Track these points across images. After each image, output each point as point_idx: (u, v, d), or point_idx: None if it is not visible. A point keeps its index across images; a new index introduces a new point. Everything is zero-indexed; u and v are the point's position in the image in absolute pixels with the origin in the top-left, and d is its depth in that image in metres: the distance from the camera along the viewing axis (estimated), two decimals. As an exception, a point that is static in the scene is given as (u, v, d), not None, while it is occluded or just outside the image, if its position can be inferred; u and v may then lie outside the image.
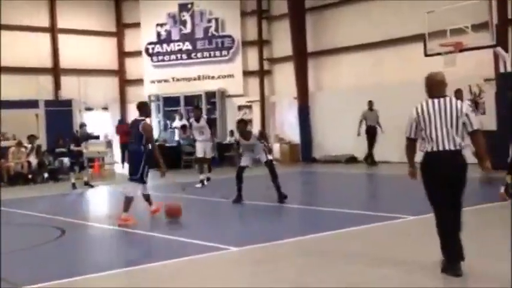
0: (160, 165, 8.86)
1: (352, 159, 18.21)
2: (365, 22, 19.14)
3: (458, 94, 13.50)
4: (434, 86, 5.54)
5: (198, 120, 14.24)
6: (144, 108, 9.42)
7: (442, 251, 5.45)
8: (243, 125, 11.15)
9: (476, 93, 14.99)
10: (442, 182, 5.40)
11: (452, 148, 5.34)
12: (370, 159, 17.24)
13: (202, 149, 14.02)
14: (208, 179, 13.97)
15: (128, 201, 9.07)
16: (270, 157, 11.03)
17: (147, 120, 9.46)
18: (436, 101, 5.44)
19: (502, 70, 14.92)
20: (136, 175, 9.19)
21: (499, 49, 14.42)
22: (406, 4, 17.88)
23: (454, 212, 5.44)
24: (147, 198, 9.63)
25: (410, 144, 5.66)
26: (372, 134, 17.13)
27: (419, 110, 5.49)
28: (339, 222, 8.12)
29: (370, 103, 16.91)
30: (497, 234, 7.17)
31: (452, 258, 5.36)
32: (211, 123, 14.75)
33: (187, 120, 20.33)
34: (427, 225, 7.87)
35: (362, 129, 17.20)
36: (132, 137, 9.32)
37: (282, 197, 10.42)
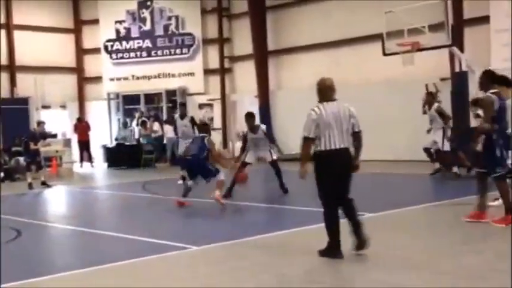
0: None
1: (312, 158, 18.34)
2: (324, 21, 19.31)
3: (430, 97, 13.73)
4: (326, 91, 6.17)
5: (182, 117, 14.13)
6: (205, 127, 10.61)
7: (330, 237, 5.97)
8: (251, 117, 11.17)
9: (433, 93, 15.27)
10: (334, 176, 5.97)
11: (346, 146, 5.96)
12: None
13: (185, 146, 13.88)
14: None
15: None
16: (274, 157, 11.24)
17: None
18: (330, 104, 6.05)
19: (457, 69, 15.26)
20: (212, 174, 10.10)
21: (455, 49, 14.74)
22: (364, 4, 18.11)
23: (350, 204, 6.07)
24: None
25: (309, 143, 6.04)
26: None
27: (318, 112, 6.01)
28: (301, 220, 8.16)
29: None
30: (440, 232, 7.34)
31: (338, 244, 5.95)
32: (195, 121, 14.56)
33: (171, 117, 20.14)
34: (387, 222, 8.03)
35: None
36: (194, 149, 10.36)
37: (285, 189, 11.02)
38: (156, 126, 20.94)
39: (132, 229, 8.39)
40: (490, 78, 7.03)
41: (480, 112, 11.06)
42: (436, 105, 13.35)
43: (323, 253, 5.99)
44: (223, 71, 22.38)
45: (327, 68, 19.27)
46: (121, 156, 20.32)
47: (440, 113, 13.21)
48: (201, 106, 22.55)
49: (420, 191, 11.66)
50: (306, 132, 6.00)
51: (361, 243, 6.02)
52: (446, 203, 9.21)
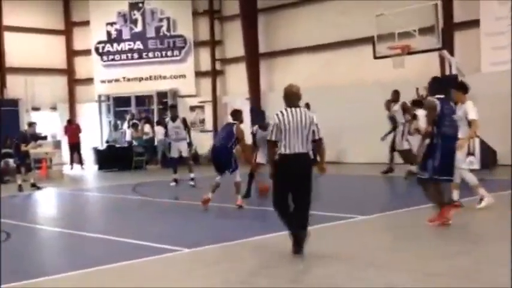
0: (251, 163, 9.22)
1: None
2: (316, 24, 19.35)
3: (395, 95, 13.94)
4: (291, 97, 6.36)
5: (174, 120, 14.07)
6: (237, 114, 10.42)
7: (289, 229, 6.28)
8: (261, 114, 11.18)
9: (423, 95, 15.34)
10: (291, 179, 6.21)
11: (304, 151, 6.18)
12: (315, 159, 17.42)
13: (177, 149, 13.86)
14: (192, 179, 13.76)
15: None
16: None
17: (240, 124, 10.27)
18: (293, 110, 6.26)
19: (447, 73, 15.34)
20: (232, 166, 9.96)
21: (445, 52, 14.83)
22: (356, 7, 18.17)
23: (303, 206, 6.23)
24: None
25: (272, 146, 6.36)
26: None
27: (280, 117, 6.25)
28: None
29: (307, 105, 16.96)
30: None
31: (294, 240, 6.20)
32: (187, 123, 14.51)
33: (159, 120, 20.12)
34: (377, 225, 8.05)
35: None
36: (221, 137, 10.27)
37: None
38: (147, 128, 20.91)
39: (122, 231, 8.36)
40: (437, 84, 7.45)
41: (417, 112, 11.71)
42: (400, 102, 13.49)
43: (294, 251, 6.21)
44: (214, 73, 22.37)
45: (319, 70, 19.37)
46: (112, 159, 20.24)
47: (405, 109, 13.30)
48: (192, 108, 22.53)
49: (413, 194, 11.70)
50: (269, 136, 6.36)
51: (296, 250, 6.20)
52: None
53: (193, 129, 22.08)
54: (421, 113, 12.64)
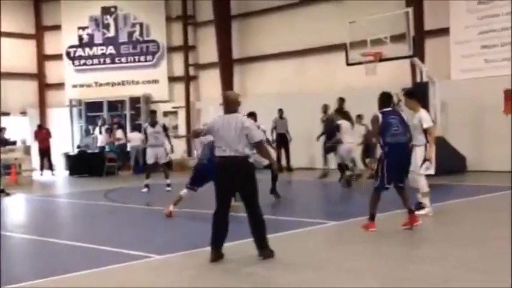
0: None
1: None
2: (289, 30, 19.45)
3: (341, 102, 14.41)
4: (227, 104, 6.51)
5: (153, 125, 13.94)
6: (252, 116, 10.46)
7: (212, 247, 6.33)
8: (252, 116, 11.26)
9: (395, 102, 15.51)
10: (226, 184, 6.35)
11: (236, 155, 6.27)
12: (288, 165, 17.49)
13: (154, 154, 13.70)
14: (168, 185, 13.67)
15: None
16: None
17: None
18: (227, 116, 6.41)
19: (418, 80, 15.55)
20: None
21: (416, 59, 15.03)
22: (329, 14, 18.33)
23: (252, 212, 6.33)
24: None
25: (195, 133, 6.87)
26: (284, 142, 17.33)
27: (210, 123, 6.54)
28: (270, 228, 8.15)
29: (281, 111, 17.08)
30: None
31: (213, 248, 6.32)
32: (166, 128, 14.40)
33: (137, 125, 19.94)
34: (347, 230, 8.09)
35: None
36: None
37: (276, 194, 11.35)
38: (119, 134, 20.72)
39: (92, 238, 8.25)
40: (384, 98, 7.88)
41: (340, 123, 13.17)
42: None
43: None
44: (188, 79, 22.31)
45: (292, 76, 19.47)
46: (83, 164, 20.01)
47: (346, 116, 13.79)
48: (165, 114, 22.41)
49: (388, 199, 11.80)
50: (200, 132, 6.94)
51: (263, 254, 6.29)
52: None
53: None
54: (344, 124, 13.22)
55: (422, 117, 8.45)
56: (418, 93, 9.15)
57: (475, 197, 10.79)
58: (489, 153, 15.17)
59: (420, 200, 8.72)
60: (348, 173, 13.34)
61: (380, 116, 7.67)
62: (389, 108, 7.86)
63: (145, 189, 13.65)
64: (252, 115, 10.54)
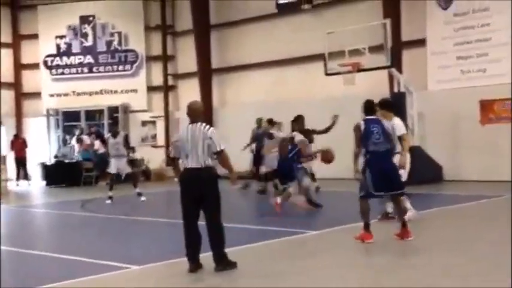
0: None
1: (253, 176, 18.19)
2: (268, 40, 19.53)
3: (300, 120, 13.64)
4: (191, 114, 6.46)
5: (115, 136, 13.81)
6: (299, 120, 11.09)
7: (188, 258, 6.29)
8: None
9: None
10: (190, 196, 6.31)
11: (198, 166, 6.23)
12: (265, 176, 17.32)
13: (116, 165, 13.59)
14: (139, 194, 13.55)
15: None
16: None
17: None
18: (190, 126, 6.36)
19: (396, 90, 15.72)
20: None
21: (393, 70, 15.21)
22: (307, 24, 18.46)
23: (210, 224, 6.28)
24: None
25: (173, 162, 6.73)
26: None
27: (180, 134, 6.44)
28: (248, 238, 8.14)
29: (259, 121, 17.02)
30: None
31: (191, 259, 6.28)
32: (128, 140, 14.26)
33: (98, 134, 19.73)
34: (326, 240, 8.10)
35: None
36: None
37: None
38: (97, 144, 20.52)
39: (69, 249, 8.14)
40: (367, 105, 7.91)
41: (274, 132, 13.75)
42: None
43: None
44: (166, 88, 22.25)
45: (270, 86, 19.53)
46: (60, 174, 19.77)
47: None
48: (144, 123, 22.30)
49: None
50: (171, 153, 6.62)
51: (218, 269, 6.23)
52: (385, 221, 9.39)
53: (144, 144, 21.93)
54: (277, 133, 13.54)
55: (396, 126, 8.48)
56: (391, 103, 9.11)
57: (453, 206, 10.91)
58: (465, 163, 15.36)
59: (388, 210, 8.84)
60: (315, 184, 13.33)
61: (362, 124, 7.70)
62: (373, 117, 7.86)
63: (108, 201, 13.48)
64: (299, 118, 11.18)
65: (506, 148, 14.73)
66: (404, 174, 8.57)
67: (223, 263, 6.24)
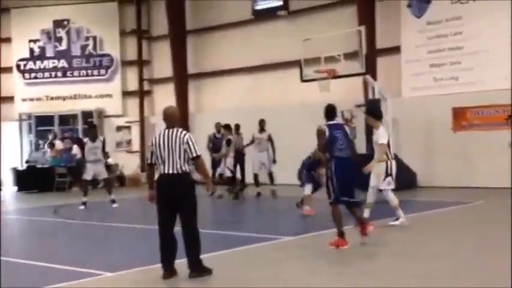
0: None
1: (230, 181, 18.13)
2: (244, 46, 19.56)
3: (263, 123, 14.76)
4: (167, 119, 6.39)
5: (93, 140, 13.58)
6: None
7: (162, 265, 6.23)
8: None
9: (348, 119, 15.77)
10: (165, 202, 6.22)
11: (175, 172, 6.15)
12: (242, 181, 17.27)
13: (93, 170, 13.36)
14: (113, 201, 13.38)
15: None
16: None
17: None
18: (166, 131, 6.28)
19: (370, 97, 15.85)
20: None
21: (368, 77, 15.34)
22: (283, 31, 18.54)
23: (186, 230, 6.20)
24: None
25: (149, 169, 6.49)
26: (240, 158, 17.10)
27: (155, 139, 6.31)
28: (222, 244, 8.11)
29: (237, 126, 17.05)
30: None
31: (166, 267, 6.22)
32: (104, 144, 14.04)
33: (77, 139, 19.48)
34: (301, 246, 8.12)
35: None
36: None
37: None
38: (75, 149, 20.21)
39: (40, 255, 8.02)
40: (329, 111, 8.02)
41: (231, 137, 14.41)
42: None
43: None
44: (142, 93, 22.11)
45: (246, 91, 19.54)
46: (32, 180, 19.47)
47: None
48: (119, 128, 22.12)
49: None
50: (147, 159, 6.49)
51: (192, 275, 6.18)
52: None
53: (119, 149, 21.74)
54: (234, 139, 14.00)
55: (379, 134, 8.79)
56: (380, 112, 9.33)
57: (428, 212, 11.03)
58: (438, 170, 15.55)
59: (395, 212, 9.09)
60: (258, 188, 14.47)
61: (326, 128, 7.74)
62: (335, 122, 7.97)
63: (82, 207, 13.29)
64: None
65: (478, 155, 14.96)
66: (392, 182, 8.77)
67: (198, 270, 6.19)
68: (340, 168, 7.60)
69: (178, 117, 6.52)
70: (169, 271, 6.22)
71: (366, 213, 8.94)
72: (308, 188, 10.85)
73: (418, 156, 15.70)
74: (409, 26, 16.40)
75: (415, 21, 16.29)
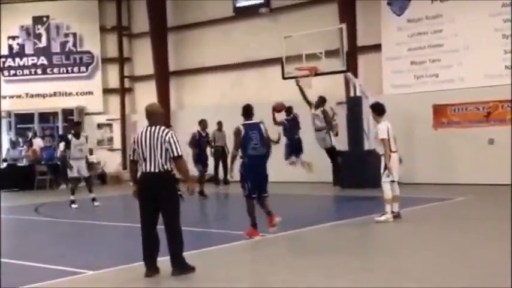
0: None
1: (212, 179, 18.17)
2: (226, 43, 19.53)
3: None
4: (148, 116, 6.36)
5: (78, 136, 13.40)
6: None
7: (145, 262, 6.22)
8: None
9: (331, 115, 15.82)
10: (147, 200, 6.18)
11: (156, 170, 6.11)
12: (224, 178, 17.30)
13: (76, 167, 13.16)
14: (94, 199, 13.23)
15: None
16: None
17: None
18: (148, 128, 6.23)
19: (352, 94, 15.93)
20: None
21: (349, 74, 15.41)
22: (264, 28, 18.55)
23: (168, 228, 6.16)
24: None
25: (132, 166, 6.47)
26: (222, 155, 17.14)
27: (137, 136, 6.28)
28: (202, 242, 8.11)
29: (219, 124, 17.04)
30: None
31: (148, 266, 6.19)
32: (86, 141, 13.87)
33: (62, 136, 19.26)
34: (281, 244, 8.15)
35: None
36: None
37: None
38: (62, 146, 20.03)
39: (22, 254, 7.93)
40: (246, 111, 8.55)
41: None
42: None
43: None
44: (123, 91, 21.97)
45: (228, 89, 19.52)
46: (12, 178, 19.25)
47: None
48: (99, 126, 21.97)
49: (314, 211, 11.96)
50: (129, 155, 6.46)
51: (174, 273, 6.16)
52: (337, 224, 9.52)
53: (100, 147, 21.60)
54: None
55: (379, 129, 9.19)
56: (383, 108, 9.49)
57: (410, 208, 11.10)
58: (420, 167, 15.66)
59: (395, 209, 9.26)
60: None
61: (242, 128, 8.17)
62: (251, 121, 8.37)
63: (74, 206, 13.13)
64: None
65: (459, 152, 15.12)
66: (391, 174, 8.99)
67: (181, 267, 6.18)
68: (252, 166, 8.07)
69: (162, 114, 6.48)
70: (152, 269, 6.20)
71: (395, 208, 9.24)
72: None
73: (400, 153, 15.77)
74: (389, 24, 16.50)
75: (396, 19, 16.40)
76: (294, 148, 14.76)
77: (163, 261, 6.30)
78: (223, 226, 10.20)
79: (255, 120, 8.41)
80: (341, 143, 15.28)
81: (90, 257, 7.67)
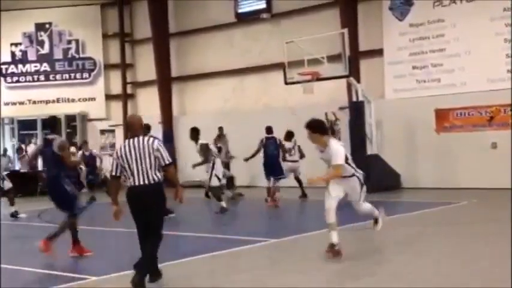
0: None
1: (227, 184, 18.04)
2: (228, 49, 19.56)
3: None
4: (131, 128, 6.17)
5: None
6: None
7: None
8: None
9: (332, 121, 15.83)
10: (139, 214, 5.97)
11: (146, 183, 5.89)
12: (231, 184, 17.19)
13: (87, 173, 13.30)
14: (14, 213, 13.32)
15: None
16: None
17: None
18: (131, 140, 5.99)
19: (354, 99, 15.94)
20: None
21: (352, 79, 15.42)
22: (267, 33, 18.58)
23: (153, 238, 6.00)
24: None
25: (114, 182, 6.17)
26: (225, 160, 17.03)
27: (120, 150, 6.02)
28: (198, 248, 8.10)
29: (221, 129, 17.02)
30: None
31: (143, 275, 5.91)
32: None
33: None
34: (283, 248, 8.14)
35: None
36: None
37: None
38: (79, 155, 20.05)
39: (26, 260, 7.94)
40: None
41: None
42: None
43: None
44: (125, 97, 22.02)
45: (230, 94, 19.55)
46: (16, 184, 19.22)
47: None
48: (102, 132, 22.00)
49: (315, 216, 11.92)
50: (111, 171, 6.09)
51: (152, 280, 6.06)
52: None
53: (103, 153, 21.60)
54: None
55: (333, 152, 7.29)
56: (322, 124, 7.69)
57: (413, 213, 11.09)
58: (422, 171, 15.66)
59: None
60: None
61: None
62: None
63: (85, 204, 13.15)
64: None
65: (461, 156, 15.10)
66: (362, 195, 7.74)
67: (146, 269, 6.02)
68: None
69: (141, 125, 6.26)
70: (154, 274, 6.16)
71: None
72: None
73: (402, 158, 15.80)
74: (391, 29, 16.52)
75: (397, 23, 16.41)
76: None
77: (165, 266, 6.29)
78: (226, 231, 10.15)
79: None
80: (343, 147, 15.23)
81: (91, 262, 7.67)
